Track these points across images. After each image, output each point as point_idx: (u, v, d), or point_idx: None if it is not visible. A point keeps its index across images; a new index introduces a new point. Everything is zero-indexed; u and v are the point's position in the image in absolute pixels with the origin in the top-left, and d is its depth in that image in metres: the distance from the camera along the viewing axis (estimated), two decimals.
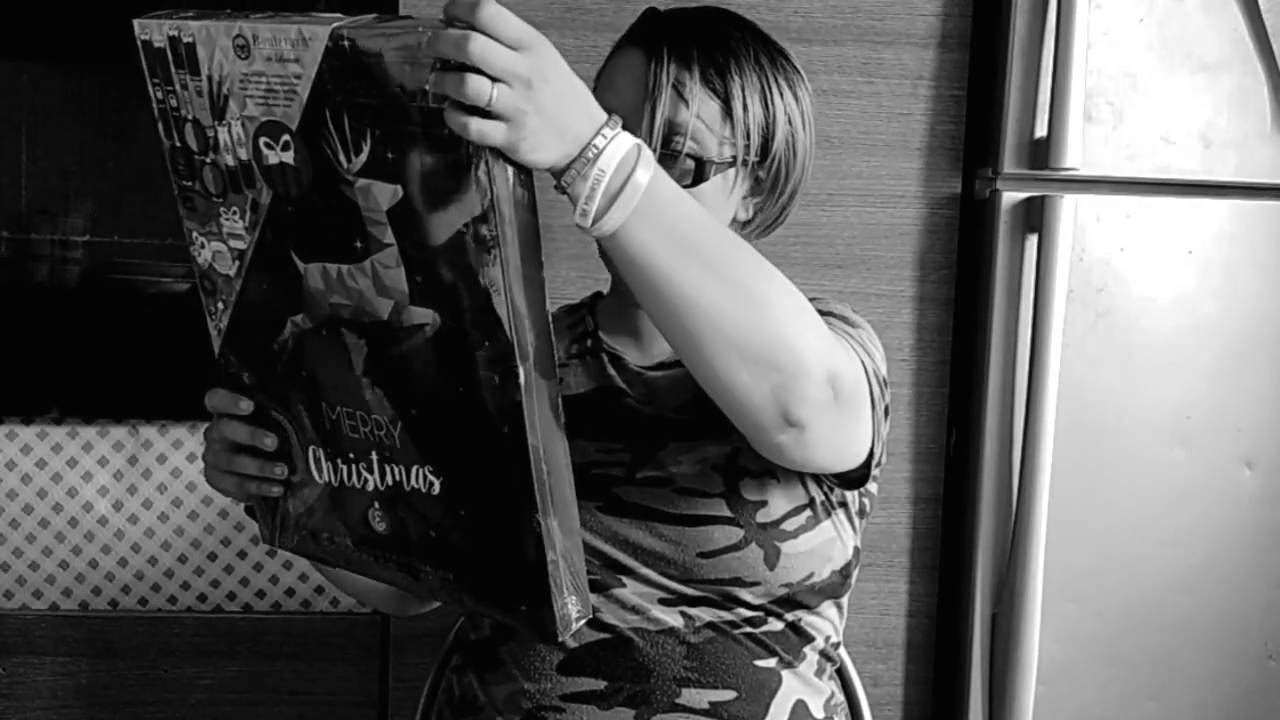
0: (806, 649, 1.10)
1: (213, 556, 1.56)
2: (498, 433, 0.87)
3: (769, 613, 1.07)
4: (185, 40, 0.90)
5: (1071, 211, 1.44)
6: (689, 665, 1.05)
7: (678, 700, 1.05)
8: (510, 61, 0.80)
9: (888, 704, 1.54)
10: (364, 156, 0.85)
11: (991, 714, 1.50)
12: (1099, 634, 1.51)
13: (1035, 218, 1.47)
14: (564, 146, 0.84)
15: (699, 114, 1.04)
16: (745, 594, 1.06)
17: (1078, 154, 1.44)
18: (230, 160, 0.91)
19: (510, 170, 0.83)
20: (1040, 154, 1.46)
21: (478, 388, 0.87)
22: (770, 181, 1.10)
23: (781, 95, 1.08)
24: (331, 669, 1.54)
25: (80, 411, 1.56)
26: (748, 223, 1.12)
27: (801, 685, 1.09)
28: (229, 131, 0.90)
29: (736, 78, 1.06)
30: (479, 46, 0.78)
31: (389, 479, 0.95)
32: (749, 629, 1.07)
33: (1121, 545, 1.50)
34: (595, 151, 0.84)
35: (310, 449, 0.99)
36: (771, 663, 1.07)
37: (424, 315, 0.88)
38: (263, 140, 0.89)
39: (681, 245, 0.89)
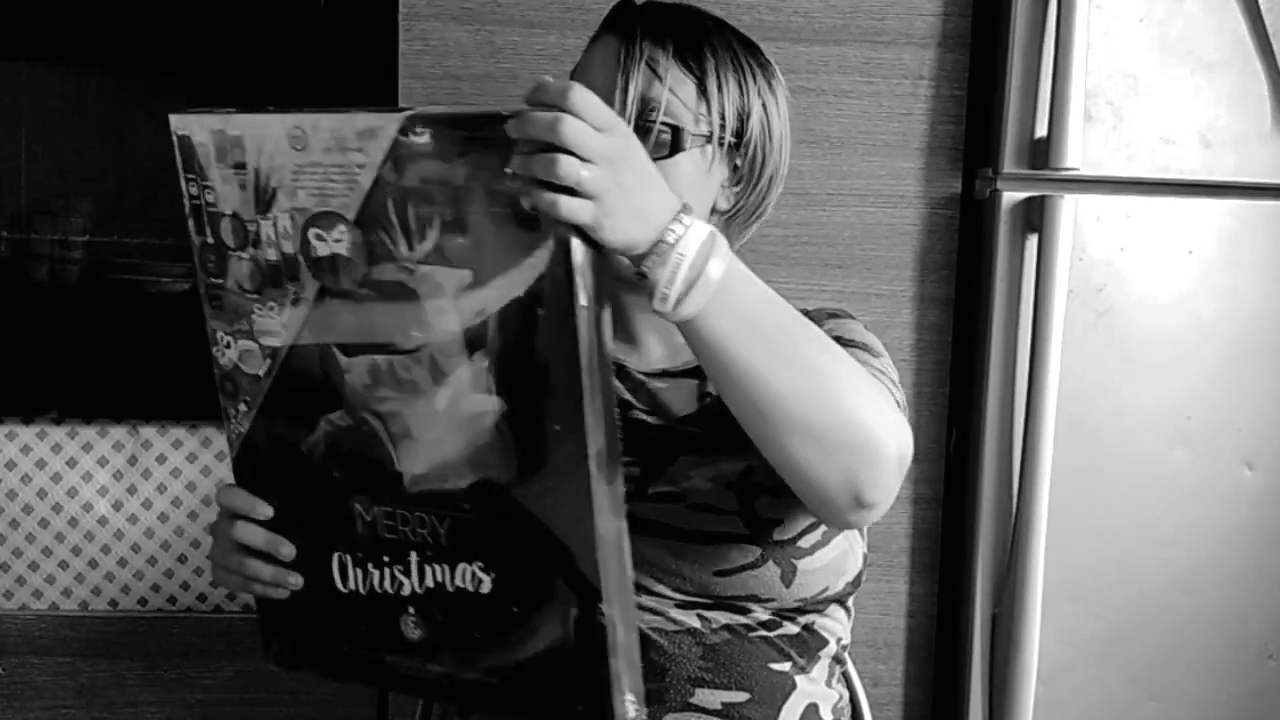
0: (820, 652, 1.10)
1: None
2: (562, 519, 0.86)
3: (784, 617, 1.07)
4: (231, 134, 0.90)
5: (1071, 211, 1.44)
6: (704, 665, 1.05)
7: (691, 700, 1.05)
8: (597, 142, 0.81)
9: (888, 704, 1.54)
10: (429, 244, 0.86)
11: (991, 714, 1.50)
12: (1099, 634, 1.51)
13: (1035, 218, 1.47)
14: (644, 229, 0.85)
15: (673, 89, 1.06)
16: (759, 607, 1.06)
17: (1078, 154, 1.44)
18: (273, 254, 0.91)
19: (589, 252, 0.83)
20: (1040, 154, 1.46)
21: (543, 473, 0.86)
22: (748, 169, 1.10)
23: (755, 80, 1.10)
24: None
25: (80, 411, 1.56)
26: (729, 213, 1.13)
27: (813, 689, 1.09)
28: (274, 225, 0.90)
29: (711, 58, 1.08)
30: (571, 128, 0.80)
31: (429, 580, 0.93)
32: (764, 632, 1.07)
33: (1121, 545, 1.50)
34: (675, 236, 0.86)
35: (335, 556, 0.96)
36: (786, 666, 1.07)
37: (486, 402, 0.87)
38: (313, 231, 0.89)
39: (757, 329, 0.90)
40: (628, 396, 1.13)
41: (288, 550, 0.98)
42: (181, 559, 1.56)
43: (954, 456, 1.55)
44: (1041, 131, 1.46)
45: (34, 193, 1.99)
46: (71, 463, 1.54)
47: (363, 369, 0.91)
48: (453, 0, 1.44)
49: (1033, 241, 1.47)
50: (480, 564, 0.91)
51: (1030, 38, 1.47)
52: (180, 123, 0.92)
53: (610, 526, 0.87)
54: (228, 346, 0.96)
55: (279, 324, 0.93)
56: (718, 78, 1.08)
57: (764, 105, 1.10)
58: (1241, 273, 1.50)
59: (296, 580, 0.98)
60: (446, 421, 0.89)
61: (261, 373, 0.95)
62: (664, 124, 1.06)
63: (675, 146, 1.06)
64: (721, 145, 1.08)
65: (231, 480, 1.02)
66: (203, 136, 0.91)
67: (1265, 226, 1.50)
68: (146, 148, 1.97)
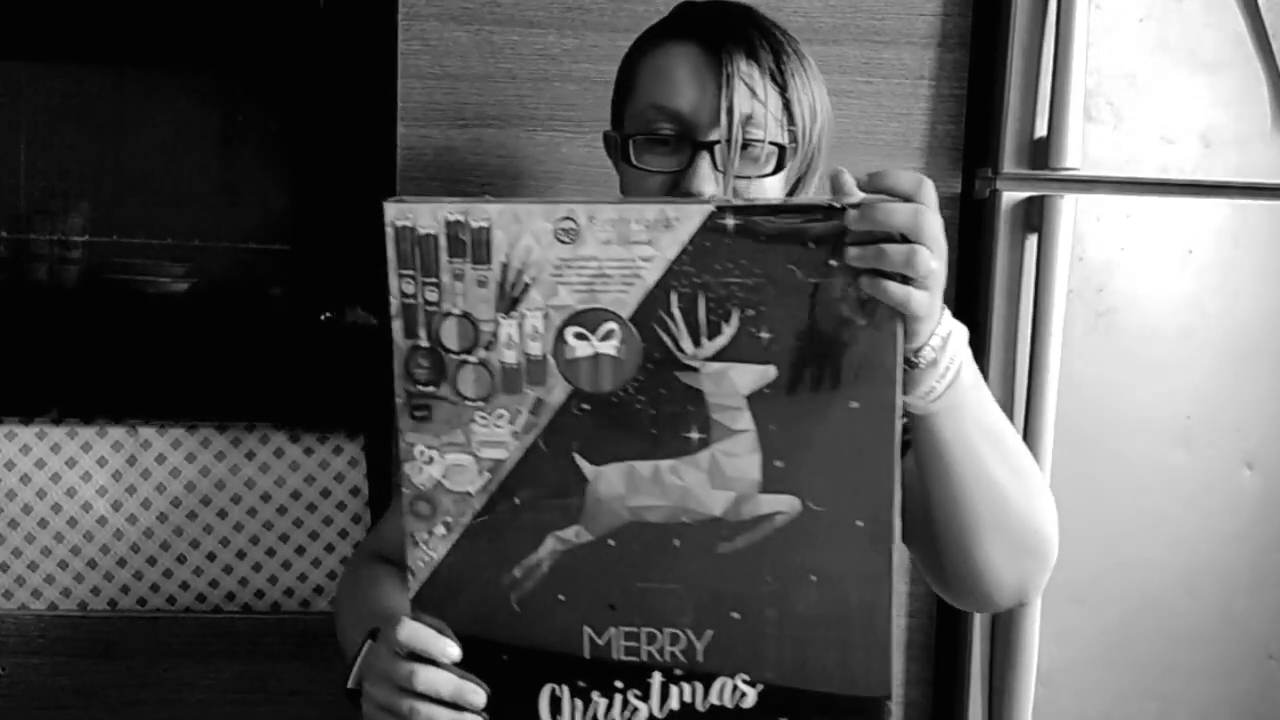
0: None
1: (212, 556, 1.56)
2: (855, 617, 0.85)
3: None
4: (474, 225, 0.83)
5: (1071, 211, 1.44)
6: None
7: None
8: (941, 233, 0.82)
9: None
10: (723, 339, 0.83)
11: (991, 714, 1.50)
12: (1099, 635, 1.51)
13: (1035, 217, 1.47)
14: (936, 318, 0.85)
15: (766, 103, 1.04)
16: None
17: (1078, 154, 1.44)
18: (512, 357, 0.85)
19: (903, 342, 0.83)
20: (1040, 154, 1.46)
21: (838, 574, 0.85)
22: (803, 168, 1.10)
23: (807, 78, 1.09)
24: (331, 669, 1.54)
25: (79, 411, 1.56)
26: None
27: None
28: (519, 324, 0.84)
29: (789, 67, 1.07)
30: (930, 222, 0.81)
31: (674, 702, 0.88)
32: None
33: (1121, 545, 1.50)
34: (946, 330, 0.86)
35: (546, 689, 0.90)
36: None
37: (778, 503, 0.85)
38: (572, 331, 0.84)
39: (984, 428, 0.92)
40: None
41: (479, 699, 0.89)
42: (181, 559, 1.56)
43: None
44: (1041, 131, 1.46)
45: (34, 193, 1.99)
46: (70, 463, 1.54)
47: (614, 477, 0.85)
48: (453, 0, 1.44)
49: (1032, 241, 1.47)
50: (745, 676, 0.87)
51: (1030, 38, 1.47)
52: (400, 212, 0.83)
53: (894, 609, 0.86)
54: (429, 462, 0.88)
55: (506, 434, 0.86)
56: (797, 87, 1.06)
57: (824, 108, 1.09)
58: (1241, 273, 1.50)
59: None
60: (724, 526, 0.85)
61: (474, 489, 0.88)
62: (772, 143, 1.04)
63: (780, 163, 1.05)
64: (798, 153, 1.08)
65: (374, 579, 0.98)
66: (432, 227, 0.83)
67: (1265, 226, 1.50)
68: (146, 148, 1.97)
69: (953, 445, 0.90)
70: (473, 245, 0.83)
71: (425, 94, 1.45)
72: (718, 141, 1.03)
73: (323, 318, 1.57)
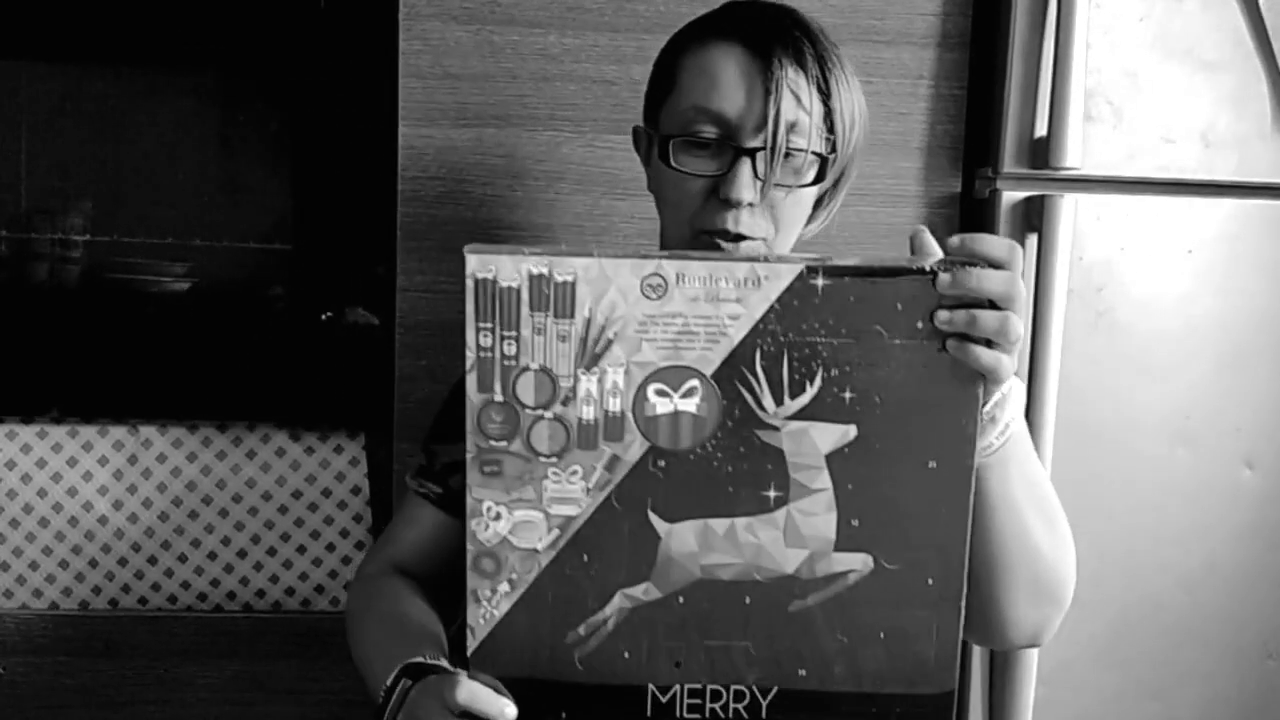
0: None
1: (213, 556, 1.56)
2: (922, 674, 0.86)
3: None
4: (559, 279, 0.82)
5: (1071, 211, 1.44)
6: None
7: None
8: (1026, 299, 0.85)
9: None
10: (805, 398, 0.83)
11: (991, 714, 1.50)
12: (1099, 634, 1.51)
13: (1035, 217, 1.47)
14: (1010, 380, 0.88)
15: (811, 114, 1.03)
16: None
17: (1078, 153, 1.44)
18: (590, 413, 0.84)
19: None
20: (1040, 153, 1.46)
21: (908, 631, 0.86)
22: (837, 176, 1.09)
23: (850, 84, 1.08)
24: (331, 669, 1.54)
25: (80, 410, 1.57)
26: (809, 220, 1.12)
27: None
28: (599, 380, 0.84)
29: (834, 76, 1.05)
30: (1021, 290, 0.82)
31: None
32: None
33: (1121, 545, 1.50)
34: (1008, 385, 0.89)
35: None
36: None
37: (851, 561, 0.85)
38: (654, 388, 0.84)
39: (1028, 480, 0.93)
40: None
41: None
42: (182, 558, 1.56)
43: None
44: (1041, 131, 1.46)
45: (34, 193, 1.98)
46: (72, 462, 1.54)
47: (688, 534, 0.85)
48: (453, 0, 1.44)
49: (1032, 241, 1.47)
50: None
51: (1030, 37, 1.47)
52: (482, 264, 0.82)
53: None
54: (496, 519, 0.87)
55: (579, 490, 0.85)
56: (839, 96, 1.05)
57: (863, 115, 1.09)
58: (1241, 273, 1.50)
59: None
60: (796, 584, 0.86)
61: (541, 546, 0.87)
62: (814, 153, 1.04)
63: (821, 173, 1.05)
64: (834, 164, 1.07)
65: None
66: (515, 280, 0.82)
67: (1265, 226, 1.50)
68: (147, 147, 1.97)
69: (998, 498, 0.91)
70: (556, 299, 0.82)
71: (426, 93, 1.45)
72: (761, 148, 1.01)
73: (323, 318, 1.57)
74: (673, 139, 1.05)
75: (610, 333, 0.83)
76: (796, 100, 1.02)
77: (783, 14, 1.08)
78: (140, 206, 1.97)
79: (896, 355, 0.82)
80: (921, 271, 0.82)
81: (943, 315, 0.82)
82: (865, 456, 0.84)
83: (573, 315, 0.82)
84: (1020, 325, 0.82)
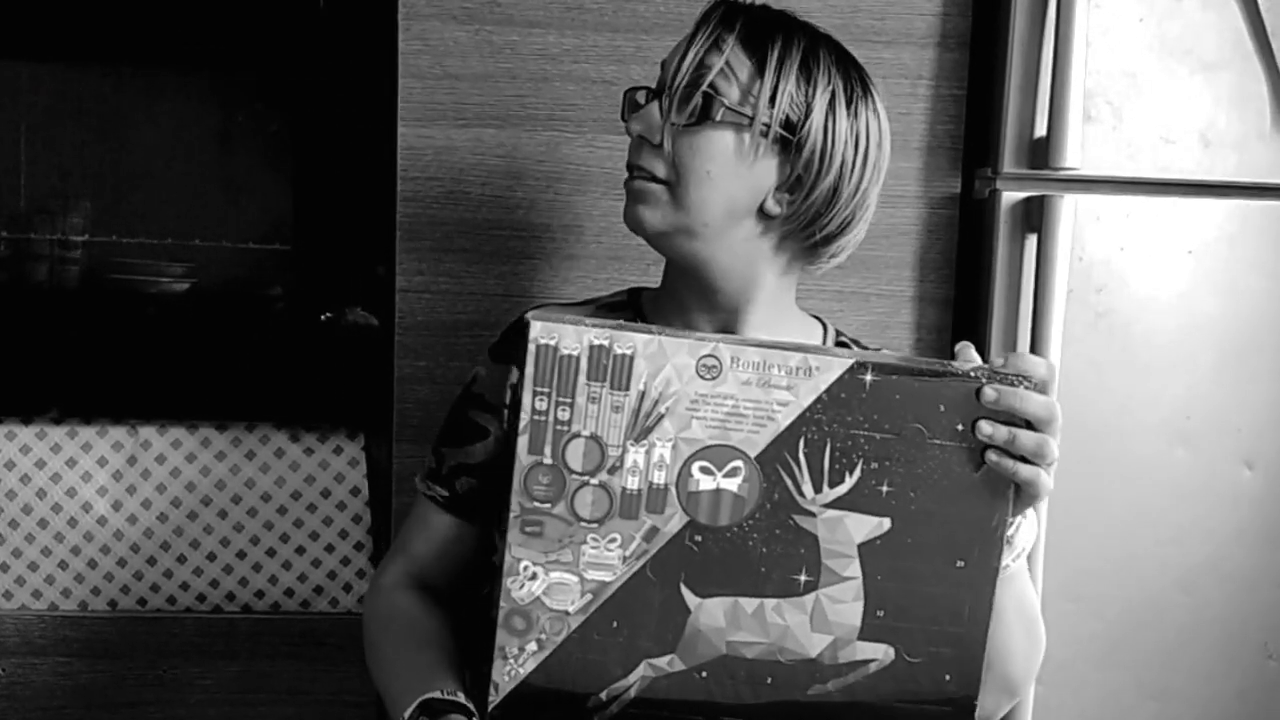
0: None
1: (212, 557, 1.56)
2: None
3: None
4: (619, 352, 0.85)
5: (1071, 211, 1.44)
6: None
7: None
8: (1060, 422, 0.90)
9: None
10: (844, 488, 0.86)
11: None
12: (1099, 634, 1.51)
13: (1035, 217, 1.47)
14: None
15: (730, 63, 1.06)
16: None
17: (1077, 154, 1.44)
18: (634, 484, 0.86)
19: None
20: (1040, 154, 1.46)
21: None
22: (801, 173, 1.07)
23: (825, 85, 1.07)
24: (331, 669, 1.54)
25: (79, 411, 1.56)
26: (779, 219, 1.09)
27: None
28: (648, 453, 0.86)
29: (778, 48, 1.06)
30: (1058, 415, 0.89)
31: None
32: None
33: (1121, 545, 1.50)
34: (1029, 513, 0.97)
35: None
36: None
37: (873, 650, 0.88)
38: (699, 465, 0.86)
39: (1020, 601, 1.01)
40: None
41: None
42: (181, 559, 1.56)
43: None
44: (1041, 131, 1.46)
45: (34, 193, 1.99)
46: (71, 462, 1.54)
47: (717, 610, 0.87)
48: (452, 0, 1.44)
49: (1032, 241, 1.47)
50: None
51: (1030, 37, 1.47)
52: (546, 331, 0.85)
53: None
54: (532, 578, 0.88)
55: (616, 557, 0.87)
56: (779, 65, 1.06)
57: (830, 109, 1.07)
58: (1241, 273, 1.50)
59: None
60: (817, 669, 0.88)
61: (573, 609, 0.89)
62: (704, 91, 1.05)
63: (705, 114, 1.05)
64: (766, 134, 1.06)
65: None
66: (575, 349, 0.85)
67: (1265, 226, 1.50)
68: (146, 148, 1.97)
69: (997, 611, 0.93)
70: (613, 371, 0.85)
71: (425, 94, 1.45)
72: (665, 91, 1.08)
73: (322, 318, 1.57)
74: (626, 92, 1.13)
75: (662, 408, 0.85)
76: (715, 47, 1.07)
77: (766, 10, 1.12)
78: (140, 206, 1.97)
79: (935, 455, 0.85)
80: (966, 376, 0.85)
81: (985, 429, 0.86)
82: (897, 550, 0.86)
83: (628, 388, 0.85)
84: (1056, 449, 0.88)
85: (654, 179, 1.07)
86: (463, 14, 1.44)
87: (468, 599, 1.21)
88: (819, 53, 1.08)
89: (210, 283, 1.93)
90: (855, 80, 1.10)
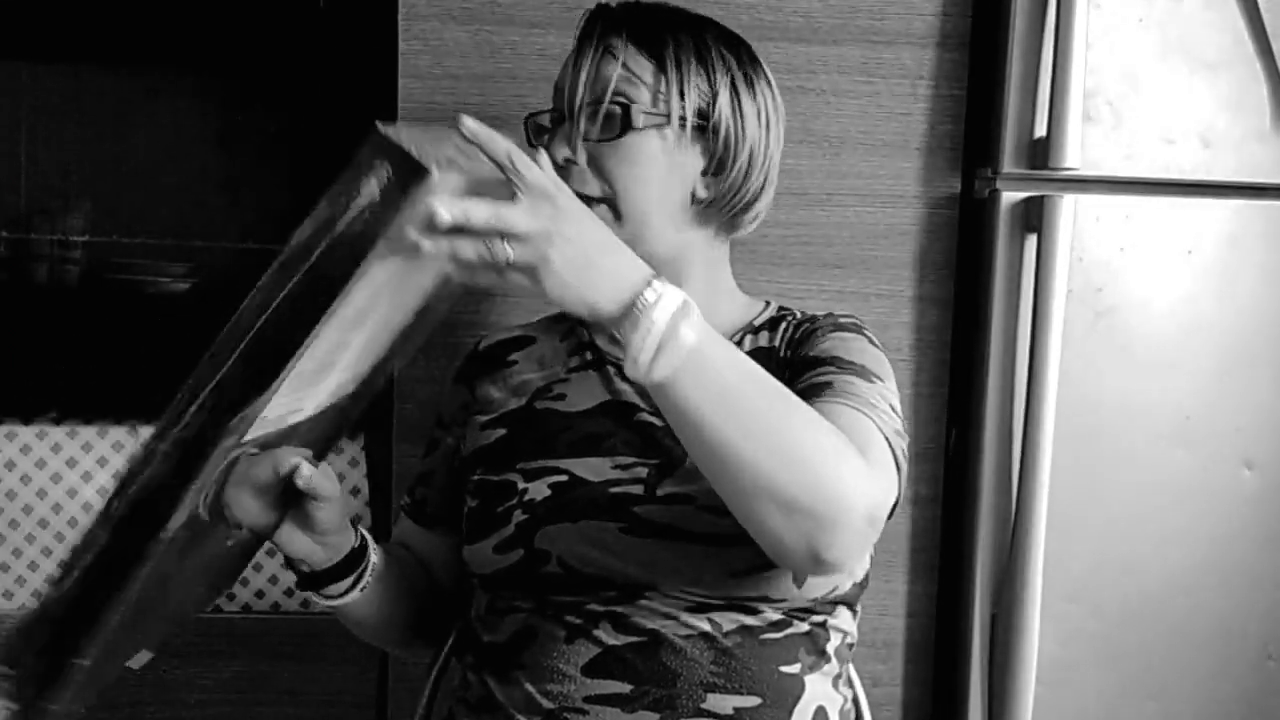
0: (829, 649, 1.11)
1: None
2: None
3: (794, 616, 1.08)
4: None
5: (1071, 211, 1.44)
6: (716, 670, 1.05)
7: (703, 705, 1.05)
8: (526, 223, 0.87)
9: (887, 704, 1.54)
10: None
11: (991, 714, 1.50)
12: (1099, 634, 1.51)
13: (1035, 217, 1.47)
14: (603, 295, 0.89)
15: (630, 68, 1.09)
16: (770, 607, 1.06)
17: (1077, 154, 1.44)
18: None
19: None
20: (1040, 154, 1.46)
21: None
22: (720, 154, 1.11)
23: (721, 67, 1.11)
24: (331, 669, 1.54)
25: (79, 412, 1.56)
26: (709, 202, 1.13)
27: (823, 692, 1.10)
28: None
29: (670, 42, 1.10)
30: (501, 217, 0.87)
31: None
32: (774, 634, 1.07)
33: (1121, 545, 1.50)
34: (646, 302, 0.89)
35: None
36: (795, 668, 1.08)
37: None
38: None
39: (725, 396, 0.92)
40: (635, 400, 1.13)
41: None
42: None
43: (953, 456, 1.55)
44: (1041, 131, 1.46)
45: (34, 193, 1.98)
46: (71, 463, 1.54)
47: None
48: (452, 0, 1.44)
49: (1032, 241, 1.47)
50: None
51: (1030, 38, 1.47)
52: None
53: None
54: None
55: None
56: (677, 60, 1.10)
57: (733, 91, 1.11)
58: (1241, 273, 1.50)
59: None
60: None
61: None
62: (615, 101, 1.08)
63: (626, 124, 1.08)
64: (684, 127, 1.10)
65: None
66: None
67: (1265, 226, 1.50)
68: (147, 147, 1.97)
69: (686, 413, 0.91)
70: None
71: (425, 94, 1.44)
72: (575, 110, 1.10)
73: None
74: (526, 120, 1.17)
75: None
76: (610, 57, 1.09)
77: (642, 7, 1.15)
78: (140, 206, 1.97)
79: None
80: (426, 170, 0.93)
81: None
82: None
83: None
84: (502, 250, 0.87)
85: (592, 200, 1.09)
86: (463, 14, 1.44)
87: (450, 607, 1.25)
88: (706, 39, 1.12)
89: (210, 283, 1.93)
90: (745, 57, 1.14)
